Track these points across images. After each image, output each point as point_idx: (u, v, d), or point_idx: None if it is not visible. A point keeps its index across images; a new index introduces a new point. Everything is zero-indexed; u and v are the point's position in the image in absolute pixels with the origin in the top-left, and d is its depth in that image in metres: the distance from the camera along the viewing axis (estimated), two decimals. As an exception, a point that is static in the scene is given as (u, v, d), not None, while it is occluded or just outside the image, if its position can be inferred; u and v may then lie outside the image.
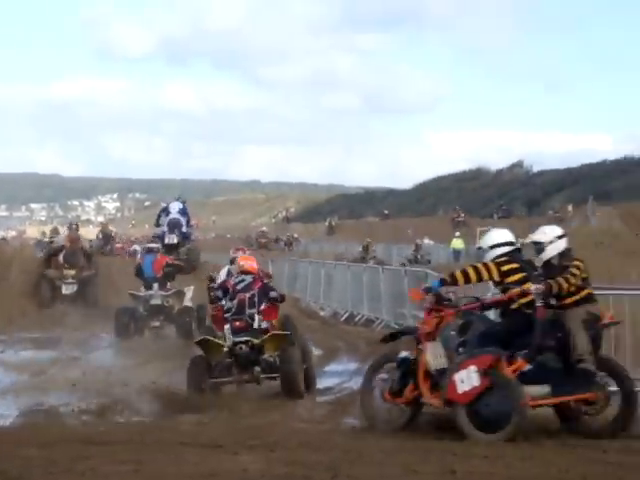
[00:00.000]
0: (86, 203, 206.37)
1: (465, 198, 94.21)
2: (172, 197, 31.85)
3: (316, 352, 19.18)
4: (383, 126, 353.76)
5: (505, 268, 11.07)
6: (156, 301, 21.35)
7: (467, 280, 11.24)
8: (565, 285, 10.74)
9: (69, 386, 14.52)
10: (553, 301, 10.87)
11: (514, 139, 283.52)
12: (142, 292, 21.55)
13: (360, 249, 48.48)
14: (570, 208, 60.75)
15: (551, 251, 11.12)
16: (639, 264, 24.60)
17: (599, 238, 29.50)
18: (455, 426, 10.42)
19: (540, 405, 10.55)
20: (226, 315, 14.48)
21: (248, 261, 15.69)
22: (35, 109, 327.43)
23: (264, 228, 64.53)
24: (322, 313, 27.71)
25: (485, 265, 11.20)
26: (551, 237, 11.20)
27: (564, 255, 11.11)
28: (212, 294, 15.53)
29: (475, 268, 11.24)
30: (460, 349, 10.91)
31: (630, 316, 12.63)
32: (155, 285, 21.58)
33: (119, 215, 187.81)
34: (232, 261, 17.27)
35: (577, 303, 10.83)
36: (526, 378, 10.40)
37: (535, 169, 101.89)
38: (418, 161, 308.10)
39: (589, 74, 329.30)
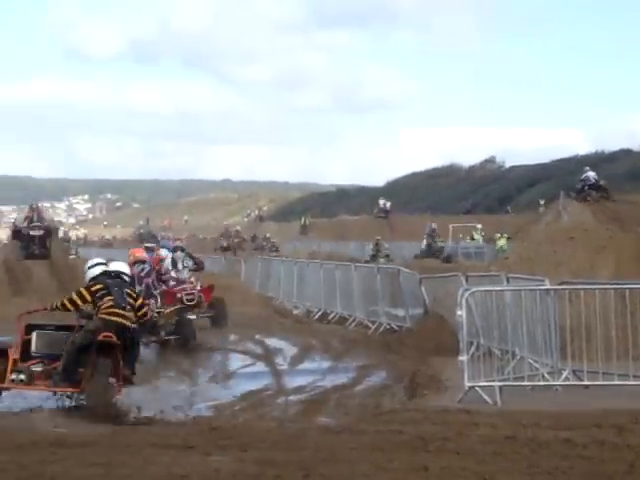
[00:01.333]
0: (57, 205, 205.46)
1: (438, 194, 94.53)
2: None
3: (289, 351, 19.24)
4: (354, 124, 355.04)
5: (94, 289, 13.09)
6: None
7: (68, 309, 13.23)
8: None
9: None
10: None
11: (486, 135, 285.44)
12: None
13: (371, 247, 48.99)
14: (542, 203, 61.04)
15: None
16: (609, 259, 24.71)
17: (570, 233, 29.64)
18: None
19: None
20: None
21: (139, 252, 20.95)
22: (4, 110, 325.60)
23: (238, 227, 64.40)
24: (295, 311, 27.71)
25: (78, 292, 13.23)
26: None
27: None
28: None
29: (70, 298, 13.20)
30: None
31: (601, 309, 12.71)
32: None
33: (90, 216, 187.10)
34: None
35: None
36: None
37: (507, 165, 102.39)
38: (390, 158, 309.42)
39: (559, 70, 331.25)
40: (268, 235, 61.31)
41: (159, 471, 8.58)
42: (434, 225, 50.35)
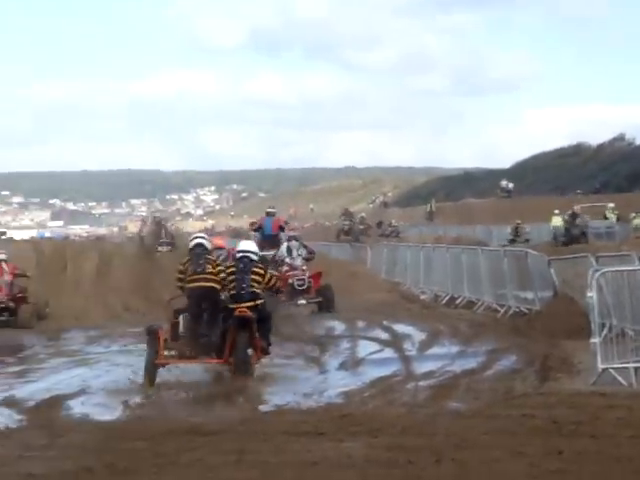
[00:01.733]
0: (185, 197, 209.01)
1: (566, 174, 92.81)
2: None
3: (418, 336, 19.16)
4: (478, 106, 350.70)
5: None
6: None
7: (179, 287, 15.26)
8: None
9: (174, 379, 14.74)
10: None
11: (614, 112, 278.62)
12: None
13: (509, 230, 48.19)
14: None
15: None
16: None
17: None
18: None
19: None
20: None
21: (217, 240, 22.82)
22: (131, 106, 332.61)
23: (363, 214, 64.27)
24: (423, 297, 27.62)
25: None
26: None
27: None
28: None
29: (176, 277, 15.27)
30: None
31: None
32: None
33: (217, 207, 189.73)
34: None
35: None
36: None
37: (638, 142, 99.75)
38: (516, 140, 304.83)
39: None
40: (393, 221, 61.02)
41: (291, 458, 8.66)
42: (576, 208, 46.45)
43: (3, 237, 59.14)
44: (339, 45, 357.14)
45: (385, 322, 21.47)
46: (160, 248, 35.69)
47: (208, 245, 15.80)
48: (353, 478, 7.88)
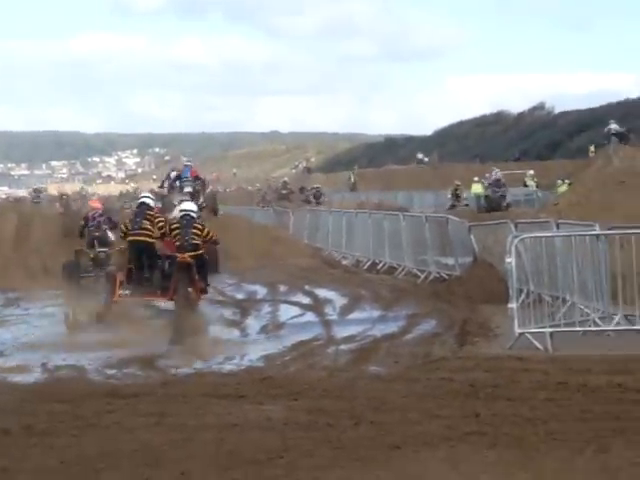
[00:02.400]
0: (107, 159, 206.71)
1: (486, 142, 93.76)
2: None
3: (339, 300, 19.27)
4: (402, 73, 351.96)
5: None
6: None
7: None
8: None
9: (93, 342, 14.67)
10: None
11: (534, 81, 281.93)
12: None
13: (449, 195, 47.39)
14: (592, 148, 60.29)
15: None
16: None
17: (621, 178, 29.41)
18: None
19: None
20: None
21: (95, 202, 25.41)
22: (52, 66, 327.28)
23: (285, 179, 64.21)
24: (344, 262, 27.75)
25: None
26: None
27: None
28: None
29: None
30: None
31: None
32: None
33: (140, 170, 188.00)
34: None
35: None
36: None
37: (557, 111, 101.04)
38: (438, 107, 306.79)
39: (609, 12, 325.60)
40: (316, 185, 61.02)
41: (212, 420, 8.68)
42: (499, 174, 45.27)
43: None
44: (264, 9, 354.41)
45: (307, 287, 21.56)
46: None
47: (151, 203, 18.08)
48: (273, 440, 7.92)
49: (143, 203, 17.88)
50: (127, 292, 17.09)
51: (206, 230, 16.89)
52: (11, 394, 10.54)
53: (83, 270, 21.01)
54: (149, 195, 18.97)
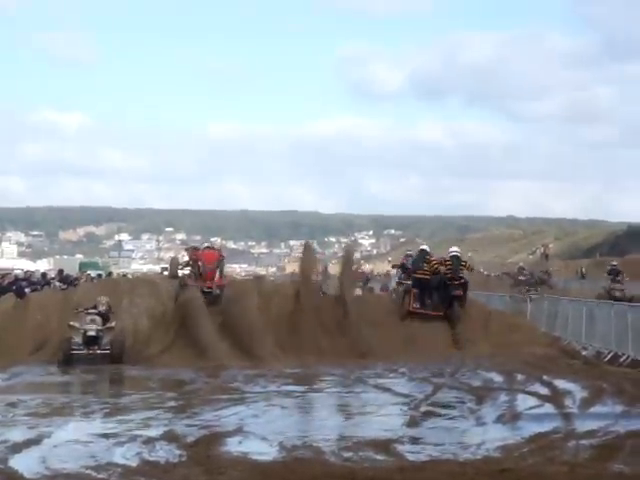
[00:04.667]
0: (343, 240, 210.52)
1: None
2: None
3: (579, 393, 18.68)
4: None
5: None
6: None
7: None
8: None
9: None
10: None
11: None
12: None
13: None
14: None
15: None
16: None
17: None
18: None
19: None
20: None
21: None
22: (294, 149, 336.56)
23: (521, 264, 63.45)
24: (584, 352, 26.97)
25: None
26: None
27: None
28: None
29: None
30: None
31: None
32: None
33: (375, 252, 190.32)
34: None
35: None
36: None
37: None
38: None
39: None
40: (551, 269, 59.97)
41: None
42: None
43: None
44: (504, 93, 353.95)
45: (545, 377, 21.05)
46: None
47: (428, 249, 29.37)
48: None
49: (423, 250, 28.99)
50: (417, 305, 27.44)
51: (468, 264, 27.86)
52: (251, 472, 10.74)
53: None
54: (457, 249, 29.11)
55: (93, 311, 24.69)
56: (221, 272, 28.18)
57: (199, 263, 27.68)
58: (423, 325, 27.55)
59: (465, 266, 28.12)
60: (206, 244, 30.24)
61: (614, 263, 43.82)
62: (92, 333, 24.12)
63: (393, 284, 32.53)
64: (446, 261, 27.98)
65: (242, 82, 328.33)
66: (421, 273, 27.98)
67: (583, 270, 66.71)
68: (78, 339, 24.07)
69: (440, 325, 27.75)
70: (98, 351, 23.96)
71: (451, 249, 28.85)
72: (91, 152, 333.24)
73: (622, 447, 12.97)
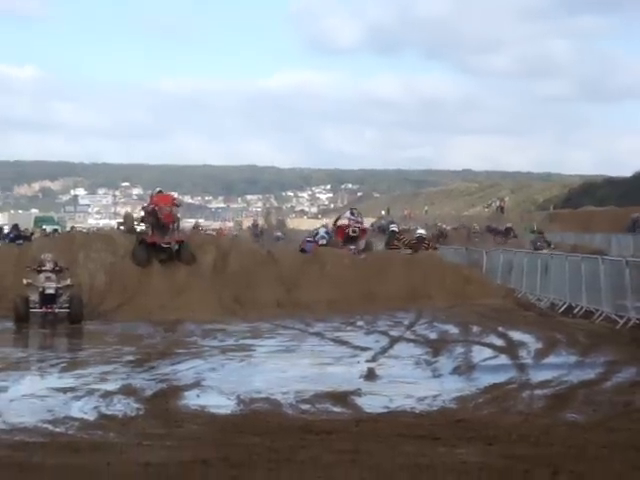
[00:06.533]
0: (300, 194, 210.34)
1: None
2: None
3: (534, 344, 18.88)
4: (600, 114, 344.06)
5: None
6: None
7: None
8: None
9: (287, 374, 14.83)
10: None
11: None
12: None
13: None
14: None
15: None
16: None
17: None
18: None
19: None
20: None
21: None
22: (250, 104, 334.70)
23: (475, 225, 64.29)
24: (539, 304, 27.24)
25: None
26: None
27: None
28: None
29: None
30: None
31: None
32: None
33: (332, 206, 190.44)
34: None
35: None
36: None
37: None
38: (638, 148, 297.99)
39: None
40: (510, 224, 60.48)
41: (406, 461, 8.62)
42: None
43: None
44: (461, 47, 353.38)
45: (500, 328, 21.26)
46: None
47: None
48: (469, 485, 7.81)
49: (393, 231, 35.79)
50: None
51: (430, 243, 33.45)
52: (209, 425, 10.77)
53: None
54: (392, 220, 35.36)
55: (48, 267, 24.08)
56: (178, 226, 27.98)
57: (155, 208, 27.19)
58: (382, 280, 27.74)
59: (428, 245, 33.23)
60: (158, 188, 29.36)
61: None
62: (51, 291, 23.50)
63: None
64: (412, 241, 33.39)
65: (196, 37, 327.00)
66: (394, 246, 33.58)
67: (534, 226, 67.31)
68: (34, 297, 23.67)
69: (399, 277, 28.05)
70: (57, 310, 23.56)
71: (418, 231, 35.47)
72: (45, 106, 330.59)
73: (575, 397, 13.14)
